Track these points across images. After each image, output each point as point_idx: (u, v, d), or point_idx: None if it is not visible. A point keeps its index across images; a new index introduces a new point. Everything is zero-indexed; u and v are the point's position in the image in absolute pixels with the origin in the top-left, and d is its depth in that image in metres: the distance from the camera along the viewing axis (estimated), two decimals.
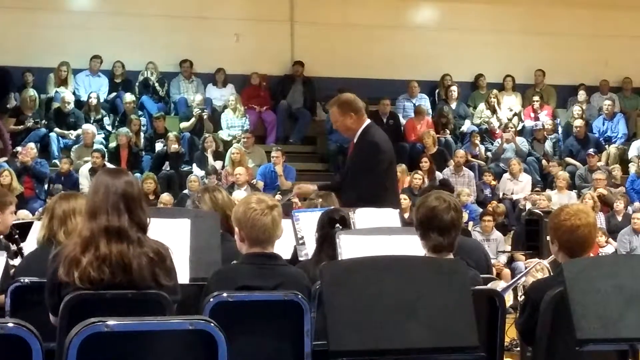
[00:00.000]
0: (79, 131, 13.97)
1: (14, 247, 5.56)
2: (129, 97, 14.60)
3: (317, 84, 15.76)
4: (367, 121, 6.68)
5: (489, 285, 4.48)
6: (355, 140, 6.61)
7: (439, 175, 13.92)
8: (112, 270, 3.52)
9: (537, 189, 14.17)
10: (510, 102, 16.38)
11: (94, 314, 3.07)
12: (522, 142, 15.20)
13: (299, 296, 3.90)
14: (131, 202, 3.62)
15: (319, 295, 3.97)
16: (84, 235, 3.58)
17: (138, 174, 12.86)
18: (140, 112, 14.72)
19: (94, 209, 3.61)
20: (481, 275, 4.53)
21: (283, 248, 4.71)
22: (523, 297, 4.30)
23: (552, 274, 4.51)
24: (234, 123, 14.89)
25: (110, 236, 3.56)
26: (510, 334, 4.88)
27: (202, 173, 13.51)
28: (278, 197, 12.09)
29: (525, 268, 5.04)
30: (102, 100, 14.74)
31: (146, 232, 3.65)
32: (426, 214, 4.16)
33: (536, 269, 4.83)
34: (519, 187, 14.18)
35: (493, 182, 14.31)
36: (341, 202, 6.13)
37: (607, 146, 15.62)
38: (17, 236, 5.58)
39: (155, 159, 13.90)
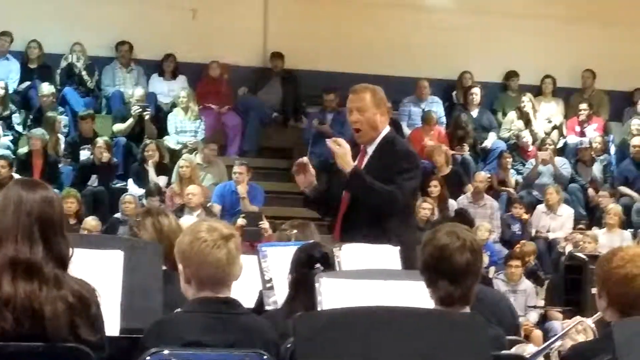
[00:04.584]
0: None
1: None
2: (46, 88, 14.58)
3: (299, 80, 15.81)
4: (388, 127, 6.77)
5: (514, 350, 4.50)
6: (372, 148, 6.63)
7: (452, 204, 13.95)
8: (16, 317, 3.51)
9: (580, 226, 14.24)
10: (550, 111, 16.49)
11: None
12: (563, 164, 15.29)
13: (264, 357, 3.91)
14: (49, 228, 3.62)
15: (290, 355, 3.98)
16: None
17: (56, 190, 12.84)
18: (61, 109, 14.73)
19: None
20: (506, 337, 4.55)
21: (245, 293, 4.70)
22: None
23: (597, 336, 4.53)
24: (184, 127, 14.91)
25: (18, 272, 3.55)
26: None
27: (140, 192, 13.50)
28: (241, 221, 12.08)
29: (563, 328, 5.06)
30: (10, 91, 14.73)
31: (66, 268, 3.65)
32: (434, 254, 4.17)
33: (577, 330, 4.85)
34: (557, 223, 14.24)
35: (524, 216, 14.34)
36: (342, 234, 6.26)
37: None
38: None
39: (79, 171, 13.89)
